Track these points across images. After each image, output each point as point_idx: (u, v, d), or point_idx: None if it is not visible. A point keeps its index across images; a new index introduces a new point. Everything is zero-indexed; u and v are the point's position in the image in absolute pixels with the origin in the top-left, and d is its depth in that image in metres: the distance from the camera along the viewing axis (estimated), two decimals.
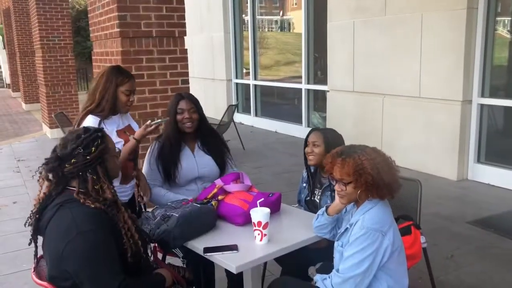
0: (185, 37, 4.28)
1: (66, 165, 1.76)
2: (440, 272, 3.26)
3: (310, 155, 2.65)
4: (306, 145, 2.70)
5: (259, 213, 2.09)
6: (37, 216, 1.80)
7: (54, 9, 8.64)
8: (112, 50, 4.11)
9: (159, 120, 2.56)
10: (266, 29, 9.97)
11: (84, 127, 1.90)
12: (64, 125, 7.35)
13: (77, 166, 1.76)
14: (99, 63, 4.60)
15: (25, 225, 1.83)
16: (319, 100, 8.05)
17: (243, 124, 9.87)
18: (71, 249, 1.65)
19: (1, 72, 23.89)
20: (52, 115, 8.34)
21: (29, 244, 1.84)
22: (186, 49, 4.30)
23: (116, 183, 2.50)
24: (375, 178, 1.90)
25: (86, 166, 1.78)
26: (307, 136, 2.72)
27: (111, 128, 2.58)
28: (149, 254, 2.07)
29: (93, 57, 4.79)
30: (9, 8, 14.29)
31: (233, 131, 7.38)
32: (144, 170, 2.76)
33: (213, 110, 10.20)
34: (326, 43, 7.16)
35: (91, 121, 2.49)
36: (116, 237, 1.76)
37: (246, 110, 10.11)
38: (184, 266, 2.58)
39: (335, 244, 2.05)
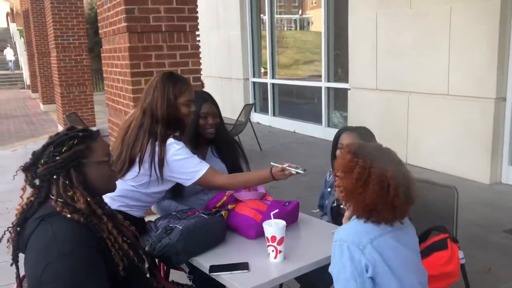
0: (197, 32, 4.02)
1: (39, 166, 1.52)
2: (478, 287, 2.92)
3: None
4: (337, 147, 2.41)
5: (273, 227, 1.82)
6: (17, 229, 1.54)
7: (68, 8, 8.51)
8: (120, 46, 3.88)
9: (301, 171, 2.20)
10: (285, 28, 9.69)
11: (70, 125, 1.64)
12: (77, 125, 7.18)
13: (48, 167, 1.51)
14: (107, 61, 4.39)
15: (0, 240, 1.57)
16: (339, 99, 7.72)
17: (260, 124, 9.60)
18: (50, 272, 1.39)
19: (22, 73, 24.18)
20: (64, 116, 8.21)
21: (11, 265, 1.58)
22: (198, 45, 4.04)
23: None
24: (374, 191, 1.55)
25: (57, 168, 1.51)
26: (338, 135, 2.43)
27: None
28: (146, 273, 1.81)
29: (102, 55, 4.58)
30: (28, 10, 14.31)
31: (250, 131, 7.11)
32: None
33: (230, 110, 9.95)
34: (347, 40, 6.83)
35: (176, 146, 2.17)
36: (103, 251, 1.51)
37: (264, 110, 9.83)
38: (191, 283, 2.33)
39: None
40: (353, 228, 1.60)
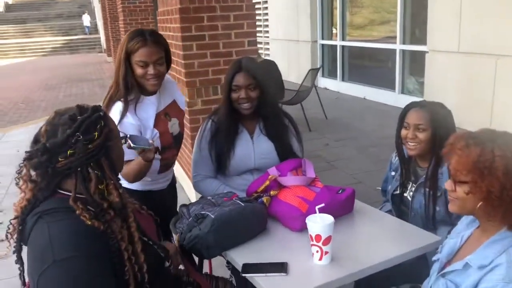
0: None
1: (60, 159, 1.26)
2: None
3: (412, 142, 1.94)
4: (402, 125, 2.01)
5: (318, 224, 1.51)
6: (19, 227, 1.31)
7: None
8: (172, 8, 3.64)
9: (141, 146, 1.75)
10: None
11: (77, 104, 1.36)
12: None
13: (75, 159, 1.26)
14: (162, 24, 4.17)
15: (6, 236, 1.35)
16: (416, 63, 7.03)
17: (328, 89, 9.10)
18: (45, 281, 1.18)
19: (100, 37, 25.10)
20: None
21: (16, 262, 1.36)
22: (254, 5, 3.69)
23: (152, 175, 2.02)
24: (506, 190, 1.16)
25: (88, 158, 1.27)
26: (405, 112, 2.00)
27: (147, 116, 1.99)
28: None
29: (157, 18, 4.38)
30: None
31: (315, 98, 6.70)
32: (193, 156, 2.25)
33: (296, 74, 9.56)
34: None
35: (117, 110, 1.91)
36: (113, 261, 1.27)
37: (332, 74, 9.30)
38: (230, 273, 2.10)
39: (441, 282, 1.35)
40: None
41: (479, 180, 1.20)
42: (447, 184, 1.31)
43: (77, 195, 1.27)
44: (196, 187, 2.24)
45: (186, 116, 3.69)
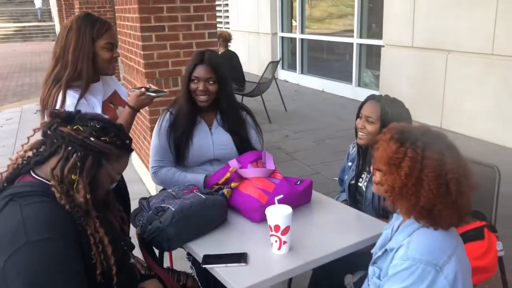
0: None
1: (68, 126, 1.33)
2: None
3: (361, 132, 2.04)
4: (358, 116, 2.09)
5: (276, 215, 1.55)
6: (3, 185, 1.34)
7: None
8: None
9: (158, 94, 1.99)
10: None
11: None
12: None
13: (73, 136, 1.30)
14: (121, 13, 4.10)
15: None
16: (372, 57, 7.22)
17: (288, 82, 9.20)
18: (15, 262, 1.19)
19: (54, 25, 24.22)
20: None
21: None
22: None
23: None
24: (406, 188, 1.25)
25: (81, 144, 1.30)
26: (363, 103, 2.09)
27: (95, 101, 1.97)
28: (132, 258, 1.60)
29: (115, 7, 4.29)
30: None
31: (275, 90, 6.76)
32: (152, 146, 2.25)
33: (257, 66, 9.60)
34: None
35: (71, 100, 1.87)
36: (82, 247, 1.29)
37: (292, 67, 9.40)
38: (190, 265, 2.13)
39: (370, 269, 1.46)
40: (424, 242, 1.27)
41: (387, 173, 1.29)
42: (372, 167, 1.39)
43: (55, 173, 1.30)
44: (154, 176, 2.22)
45: (146, 108, 3.65)
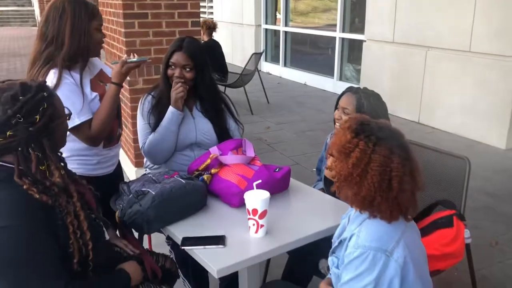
0: None
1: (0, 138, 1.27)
2: (482, 263, 2.73)
3: (338, 123, 2.11)
4: (336, 107, 2.15)
5: (254, 199, 1.60)
6: None
7: None
8: None
9: (137, 59, 1.98)
10: None
11: (20, 82, 1.34)
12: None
13: (14, 141, 1.27)
14: (103, 0, 4.07)
15: None
16: (354, 51, 7.31)
17: (270, 74, 9.25)
18: None
19: (34, 10, 23.71)
20: None
21: None
22: None
23: (98, 148, 2.03)
24: (351, 176, 1.30)
25: (29, 140, 1.29)
26: (341, 95, 2.15)
27: (86, 81, 1.98)
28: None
29: None
30: None
31: (258, 82, 6.80)
32: (138, 126, 2.28)
33: (240, 58, 9.60)
34: None
35: (55, 73, 1.86)
36: (58, 235, 1.30)
37: (275, 60, 9.44)
38: (169, 249, 2.17)
39: (329, 260, 1.50)
40: (373, 230, 1.32)
41: (337, 160, 1.34)
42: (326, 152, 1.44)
43: (23, 176, 1.27)
44: (143, 150, 2.23)
45: (127, 95, 3.65)
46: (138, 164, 3.74)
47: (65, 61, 1.88)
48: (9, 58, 12.22)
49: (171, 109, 2.14)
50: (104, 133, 1.95)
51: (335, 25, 7.53)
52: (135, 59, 1.98)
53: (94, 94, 1.98)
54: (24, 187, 1.25)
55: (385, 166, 1.26)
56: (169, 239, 2.13)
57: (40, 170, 1.30)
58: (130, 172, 3.92)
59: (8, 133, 1.26)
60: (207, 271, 2.29)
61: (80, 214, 1.35)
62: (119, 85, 1.97)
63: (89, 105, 1.93)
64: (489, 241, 3.04)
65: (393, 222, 1.31)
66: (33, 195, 1.25)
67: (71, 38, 1.88)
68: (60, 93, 1.62)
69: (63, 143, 1.46)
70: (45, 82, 1.43)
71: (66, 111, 1.44)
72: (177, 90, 2.11)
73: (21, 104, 1.27)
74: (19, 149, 1.28)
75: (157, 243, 2.42)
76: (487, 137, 4.90)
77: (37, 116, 1.29)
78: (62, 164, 1.39)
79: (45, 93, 1.34)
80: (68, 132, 1.57)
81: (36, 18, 22.43)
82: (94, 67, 2.09)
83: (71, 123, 1.78)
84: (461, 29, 5.00)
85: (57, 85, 1.82)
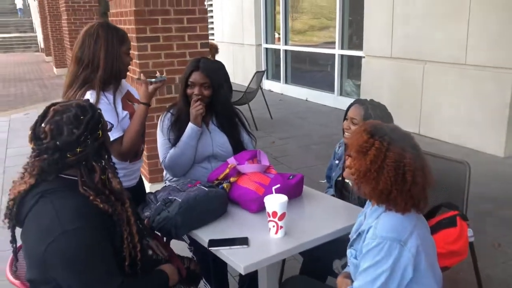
0: None
1: (68, 155, 1.43)
2: (485, 264, 2.86)
3: (346, 132, 2.29)
4: (345, 117, 2.33)
5: (274, 202, 1.76)
6: (17, 205, 1.47)
7: None
8: (126, 10, 3.77)
9: (158, 79, 2.17)
10: None
11: (75, 103, 1.51)
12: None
13: (83, 155, 1.44)
14: (117, 24, 4.27)
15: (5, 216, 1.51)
16: (353, 67, 7.53)
17: (272, 91, 9.46)
18: (54, 251, 1.36)
19: (36, 36, 24.10)
20: None
21: (11, 242, 1.55)
22: (206, 9, 3.90)
23: (124, 163, 2.20)
24: (370, 172, 1.47)
25: (94, 154, 1.47)
26: (349, 106, 2.34)
27: (118, 101, 2.17)
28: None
29: (109, 19, 4.47)
30: None
31: (261, 99, 7.00)
32: (158, 141, 2.45)
33: (242, 76, 9.82)
34: (363, 4, 6.59)
35: (92, 94, 2.05)
36: (113, 240, 1.47)
37: (276, 77, 9.67)
38: (192, 254, 2.31)
39: (347, 252, 1.67)
40: (389, 222, 1.48)
41: (356, 159, 1.52)
42: (345, 153, 1.62)
43: (86, 188, 1.44)
44: (164, 164, 2.39)
45: None
46: (152, 179, 3.90)
47: (101, 83, 2.06)
48: (16, 83, 12.45)
49: (190, 125, 2.31)
50: (134, 149, 2.13)
51: (333, 43, 7.76)
52: (156, 79, 2.17)
53: (125, 112, 2.16)
54: (91, 198, 1.42)
55: (399, 162, 1.44)
56: (191, 246, 2.28)
57: (101, 180, 1.47)
58: (148, 185, 4.07)
59: (77, 149, 1.43)
60: (227, 275, 2.46)
61: (131, 219, 1.51)
62: (148, 105, 2.15)
63: (121, 123, 2.11)
64: (491, 244, 3.18)
65: (406, 214, 1.47)
66: (98, 204, 1.42)
67: (105, 62, 2.06)
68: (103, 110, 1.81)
69: (110, 154, 1.63)
70: (89, 100, 1.61)
71: (109, 124, 1.63)
72: (196, 108, 2.29)
73: (86, 123, 1.45)
74: (84, 162, 1.46)
75: (176, 250, 2.56)
76: (485, 146, 5.06)
77: (99, 132, 1.48)
78: (117, 173, 1.56)
79: (98, 111, 1.53)
80: None
81: (39, 43, 22.78)
82: (122, 88, 2.27)
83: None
84: (456, 42, 5.21)
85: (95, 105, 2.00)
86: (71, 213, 1.39)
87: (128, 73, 2.27)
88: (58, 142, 1.41)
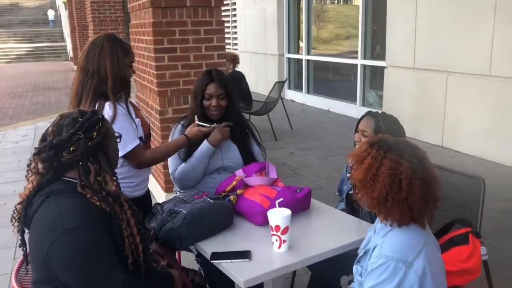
0: (233, 7, 3.91)
1: (64, 154, 1.50)
2: (500, 283, 2.75)
3: (357, 145, 2.25)
4: (356, 130, 2.31)
5: (277, 216, 1.74)
6: (25, 208, 1.53)
7: None
8: (145, 21, 3.84)
9: (210, 126, 2.32)
10: (327, 1, 9.36)
11: (79, 109, 1.60)
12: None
13: (77, 155, 1.50)
14: (135, 36, 4.36)
15: (11, 220, 1.57)
16: (376, 77, 7.44)
17: (294, 101, 9.44)
18: (57, 249, 1.40)
19: (66, 45, 24.80)
20: None
21: (21, 246, 1.59)
22: (223, 21, 3.93)
23: (134, 170, 2.23)
24: (383, 184, 1.42)
25: (88, 154, 1.52)
26: (361, 118, 2.32)
27: (131, 109, 2.23)
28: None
29: (130, 30, 4.56)
30: None
31: (281, 109, 6.99)
32: None
33: (264, 86, 9.84)
34: (385, 15, 6.52)
35: (110, 105, 2.10)
36: (115, 239, 1.50)
37: (298, 87, 9.65)
38: (199, 266, 2.31)
39: (354, 268, 1.64)
40: (395, 241, 1.44)
41: (355, 168, 1.50)
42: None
43: (82, 182, 1.50)
44: (173, 176, 2.43)
45: (158, 124, 3.88)
46: (167, 189, 3.93)
47: (114, 94, 2.10)
48: (44, 92, 12.82)
49: (207, 144, 2.33)
50: (155, 163, 2.21)
51: (356, 52, 7.71)
52: (207, 126, 2.31)
53: (137, 120, 2.22)
54: (88, 196, 1.47)
55: (394, 169, 1.40)
56: (199, 258, 2.27)
57: (97, 181, 1.52)
58: (160, 197, 4.11)
59: (71, 148, 1.49)
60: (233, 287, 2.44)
61: (131, 220, 1.54)
62: (188, 139, 2.26)
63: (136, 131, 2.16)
64: (510, 262, 3.06)
65: (414, 231, 1.43)
66: (95, 202, 1.46)
67: (112, 73, 2.10)
68: (118, 123, 1.92)
69: (115, 163, 1.67)
70: (97, 110, 1.65)
71: (117, 134, 1.66)
72: (225, 134, 2.34)
73: (81, 123, 1.52)
74: (80, 163, 1.51)
75: (184, 260, 2.57)
76: (508, 159, 4.91)
77: (94, 133, 1.53)
78: (115, 177, 1.60)
79: (99, 116, 1.59)
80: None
81: (68, 53, 23.44)
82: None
83: (125, 149, 2.03)
84: (481, 53, 5.09)
85: (114, 116, 2.05)
86: (74, 212, 1.43)
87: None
88: (54, 141, 1.49)
